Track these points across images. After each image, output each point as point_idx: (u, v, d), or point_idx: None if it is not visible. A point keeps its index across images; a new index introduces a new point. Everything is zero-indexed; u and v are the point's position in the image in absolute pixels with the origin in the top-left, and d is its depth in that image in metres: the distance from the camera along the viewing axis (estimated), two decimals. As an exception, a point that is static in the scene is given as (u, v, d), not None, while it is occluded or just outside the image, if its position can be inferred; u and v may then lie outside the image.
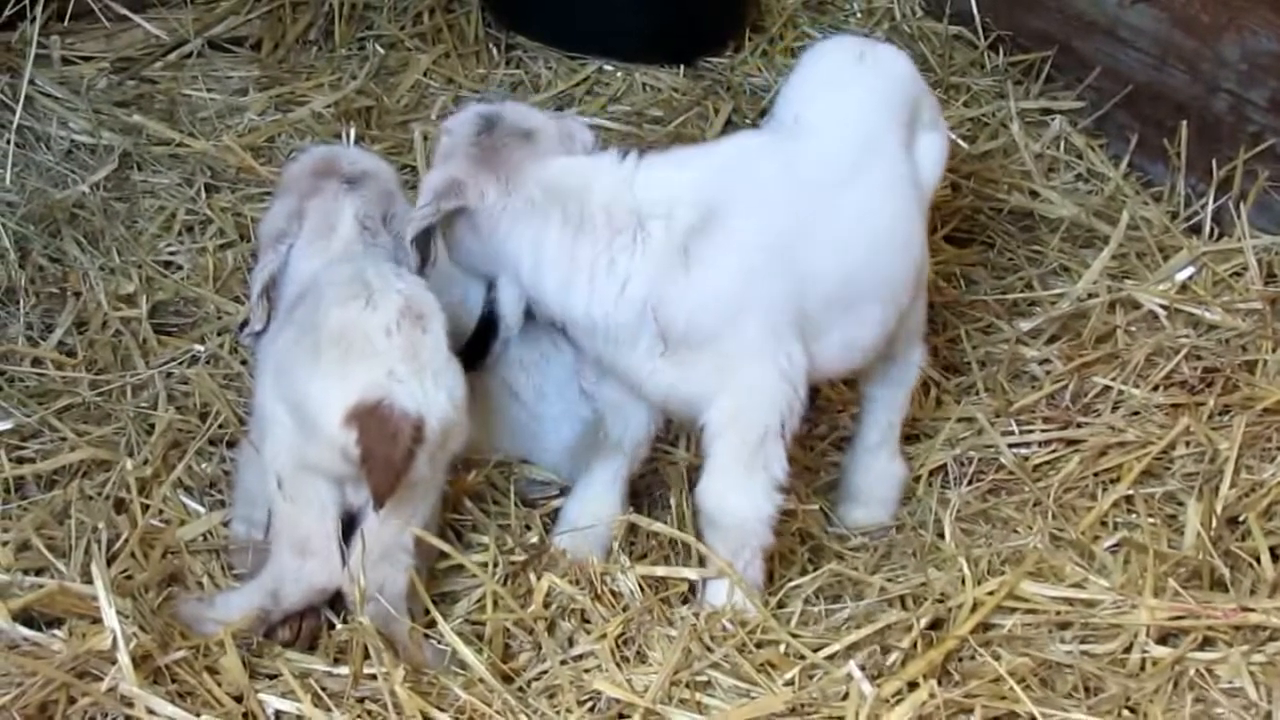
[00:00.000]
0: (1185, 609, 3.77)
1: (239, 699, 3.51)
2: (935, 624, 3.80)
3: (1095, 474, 4.32)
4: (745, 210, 3.77)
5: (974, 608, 3.79)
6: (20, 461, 4.21)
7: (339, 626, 3.77)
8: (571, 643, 3.76)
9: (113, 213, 5.10)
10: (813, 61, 4.17)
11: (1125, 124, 5.50)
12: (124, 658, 3.43)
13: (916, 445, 4.49)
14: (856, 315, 3.94)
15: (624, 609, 3.82)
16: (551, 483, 4.33)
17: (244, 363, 4.54)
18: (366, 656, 3.60)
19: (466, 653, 3.65)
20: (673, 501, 4.09)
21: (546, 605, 3.81)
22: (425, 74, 5.81)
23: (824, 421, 4.58)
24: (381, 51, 5.89)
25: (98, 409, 4.42)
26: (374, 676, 3.57)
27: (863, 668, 3.61)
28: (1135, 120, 5.47)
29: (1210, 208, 5.14)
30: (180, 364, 4.60)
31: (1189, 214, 5.21)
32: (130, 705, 3.40)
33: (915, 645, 3.71)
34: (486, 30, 5.98)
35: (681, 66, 5.93)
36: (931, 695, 3.52)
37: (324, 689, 3.56)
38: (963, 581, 3.87)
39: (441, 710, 3.52)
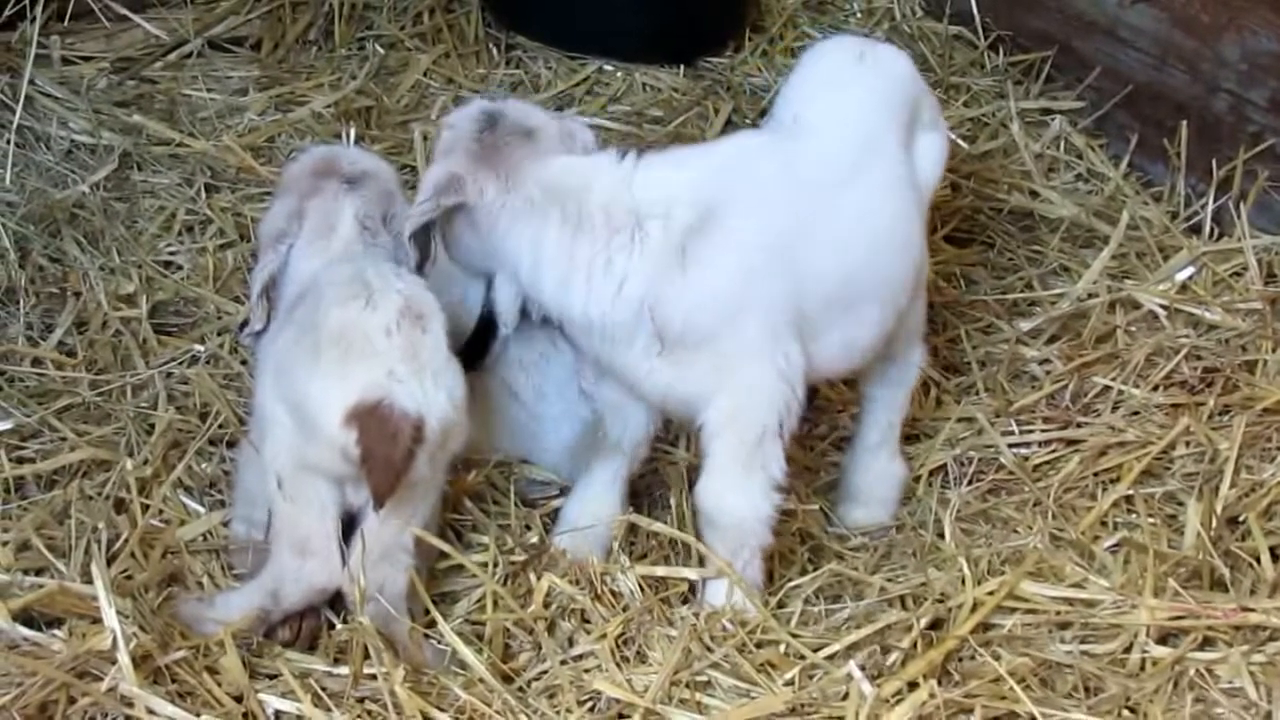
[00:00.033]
0: (1185, 609, 3.77)
1: (239, 699, 3.51)
2: (935, 624, 3.80)
3: (1095, 474, 4.32)
4: (744, 210, 3.77)
5: (974, 608, 3.79)
6: (20, 461, 4.21)
7: (339, 626, 3.77)
8: (571, 643, 3.76)
9: (113, 213, 5.10)
10: (813, 61, 4.17)
11: (1125, 124, 5.50)
12: (124, 658, 3.43)
13: (916, 445, 4.49)
14: (855, 315, 3.94)
15: (624, 609, 3.82)
16: (551, 483, 4.33)
17: (244, 363, 4.54)
18: (366, 656, 3.60)
19: (466, 653, 3.65)
20: (673, 501, 4.09)
21: (546, 605, 3.81)
22: (425, 74, 5.81)
23: (824, 421, 4.58)
24: (381, 51, 5.89)
25: (98, 409, 4.42)
26: (374, 676, 3.57)
27: (863, 668, 3.61)
28: (1135, 120, 5.47)
29: (1210, 208, 5.14)
30: (180, 364, 4.60)
31: (1189, 214, 5.21)
32: (130, 705, 3.40)
33: (915, 645, 3.71)
34: (486, 30, 5.98)
35: (681, 66, 5.93)
36: (931, 695, 3.52)
37: (324, 689, 3.56)
38: (963, 581, 3.87)
39: (441, 710, 3.52)
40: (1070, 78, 5.67)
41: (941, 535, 4.16)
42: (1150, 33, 5.41)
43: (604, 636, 3.72)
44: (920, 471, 4.42)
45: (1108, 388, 4.58)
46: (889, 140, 4.02)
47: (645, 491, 4.26)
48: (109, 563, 3.82)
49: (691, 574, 3.91)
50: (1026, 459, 4.42)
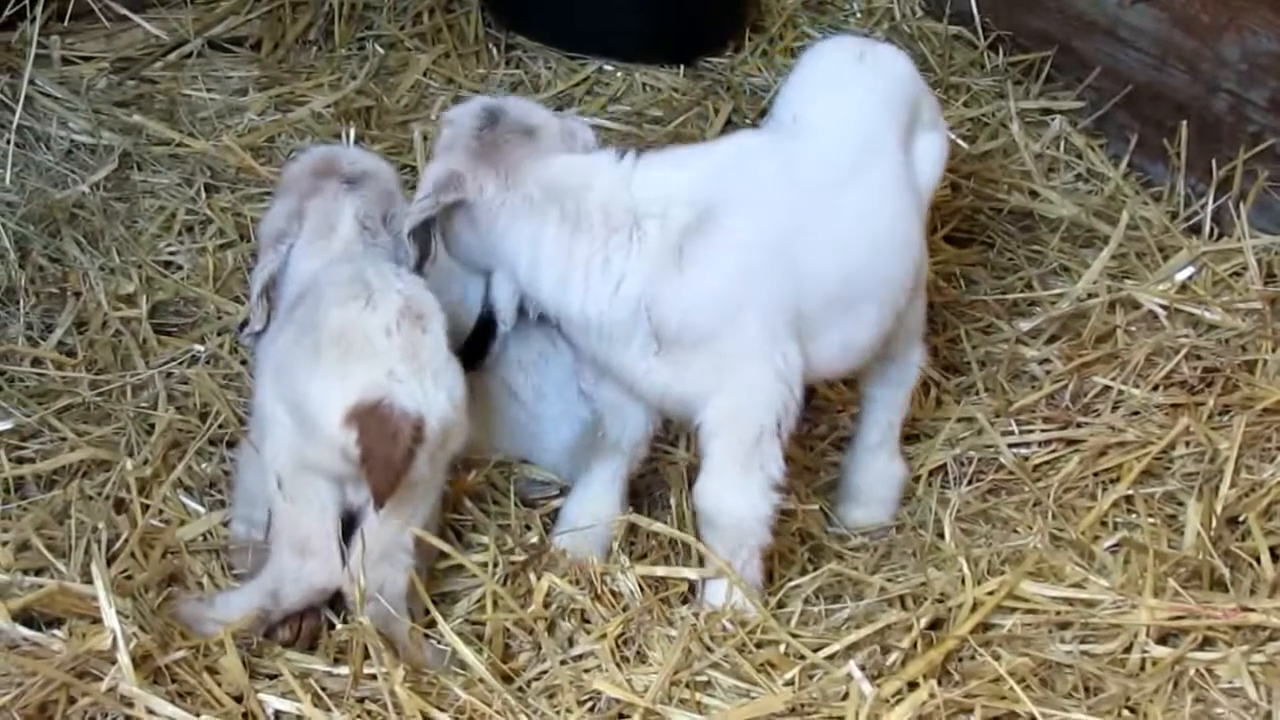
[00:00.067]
0: (1185, 609, 3.77)
1: (239, 699, 3.51)
2: (935, 624, 3.80)
3: (1095, 474, 4.32)
4: (743, 210, 3.77)
5: (974, 608, 3.79)
6: (20, 461, 4.21)
7: (339, 626, 3.77)
8: (571, 643, 3.76)
9: (113, 213, 5.10)
10: (812, 61, 4.17)
11: (1125, 124, 5.50)
12: (124, 658, 3.43)
13: (916, 445, 4.49)
14: (854, 316, 3.94)
15: (624, 609, 3.82)
16: (551, 483, 4.33)
17: (244, 363, 4.54)
18: (366, 656, 3.60)
19: (466, 653, 3.65)
20: (673, 501, 4.09)
21: (546, 605, 3.81)
22: (425, 74, 5.81)
23: (824, 421, 4.58)
24: (381, 51, 5.89)
25: (98, 409, 4.42)
26: (374, 676, 3.57)
27: (863, 668, 3.61)
28: (1135, 120, 5.47)
29: (1210, 208, 5.14)
30: (180, 364, 4.60)
31: (1189, 214, 5.21)
32: (130, 705, 3.40)
33: (915, 645, 3.71)
34: (486, 30, 5.98)
35: (681, 66, 5.93)
36: (931, 695, 3.52)
37: (324, 689, 3.56)
38: (963, 581, 3.87)
39: (441, 710, 3.52)
40: (1070, 78, 5.67)
41: (941, 535, 4.16)
42: (1150, 33, 5.41)
43: (604, 636, 3.72)
44: (920, 471, 4.42)
45: (1108, 388, 4.58)
46: (889, 140, 4.02)
47: (645, 491, 4.26)
48: (109, 563, 3.82)
49: (691, 574, 3.91)
50: (1026, 459, 4.42)
